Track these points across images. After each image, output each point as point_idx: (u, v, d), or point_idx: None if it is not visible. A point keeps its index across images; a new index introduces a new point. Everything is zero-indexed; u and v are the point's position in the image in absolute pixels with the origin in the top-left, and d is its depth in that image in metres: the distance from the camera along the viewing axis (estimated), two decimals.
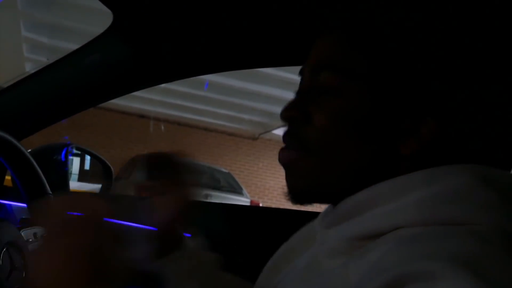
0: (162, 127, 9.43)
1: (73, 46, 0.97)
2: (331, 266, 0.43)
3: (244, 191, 6.36)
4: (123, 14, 0.87)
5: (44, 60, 6.24)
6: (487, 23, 0.47)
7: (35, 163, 0.82)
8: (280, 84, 7.06)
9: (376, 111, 0.46)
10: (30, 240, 0.74)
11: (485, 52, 0.47)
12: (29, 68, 7.02)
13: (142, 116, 9.33)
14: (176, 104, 8.71)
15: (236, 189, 6.18)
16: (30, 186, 0.83)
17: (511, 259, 0.34)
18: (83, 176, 5.80)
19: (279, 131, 9.90)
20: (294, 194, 0.49)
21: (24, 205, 0.86)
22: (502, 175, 0.42)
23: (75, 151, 1.30)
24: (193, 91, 7.92)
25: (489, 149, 0.49)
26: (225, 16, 0.86)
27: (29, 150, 0.90)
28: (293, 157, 0.48)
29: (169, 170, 0.60)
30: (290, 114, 0.49)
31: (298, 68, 0.56)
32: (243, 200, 5.85)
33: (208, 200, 5.18)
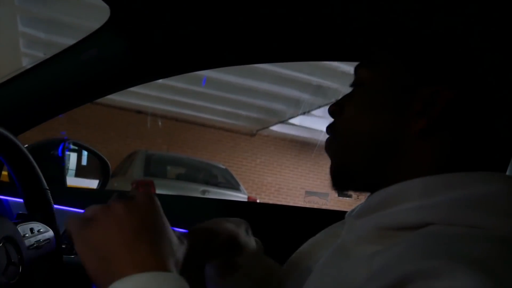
0: (160, 123, 9.42)
1: (70, 41, 0.96)
2: (358, 253, 0.44)
3: (242, 187, 6.36)
4: (120, 9, 0.87)
5: (41, 55, 6.21)
6: (496, 14, 0.48)
7: (32, 158, 0.82)
8: (277, 80, 7.05)
9: (390, 95, 0.50)
10: (27, 235, 0.74)
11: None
12: (26, 63, 6.99)
13: (139, 111, 9.30)
14: (174, 100, 8.69)
15: (234, 185, 6.17)
16: (27, 181, 0.83)
17: None
18: (80, 171, 5.79)
19: (277, 127, 9.91)
20: (331, 178, 0.55)
21: (21, 200, 0.85)
22: None
23: (72, 146, 1.29)
24: (190, 87, 7.90)
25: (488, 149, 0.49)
26: (223, 11, 0.86)
27: (26, 146, 0.90)
28: (326, 144, 0.57)
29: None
30: (330, 109, 0.57)
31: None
32: (240, 196, 5.85)
33: (205, 196, 5.19)
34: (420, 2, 0.55)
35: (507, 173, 0.79)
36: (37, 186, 0.84)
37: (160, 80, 1.12)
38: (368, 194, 0.53)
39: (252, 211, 1.22)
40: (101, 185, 1.42)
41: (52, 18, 5.64)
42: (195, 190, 5.38)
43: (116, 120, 9.01)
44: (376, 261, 0.40)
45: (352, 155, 0.52)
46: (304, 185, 9.89)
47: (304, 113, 8.57)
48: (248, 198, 6.21)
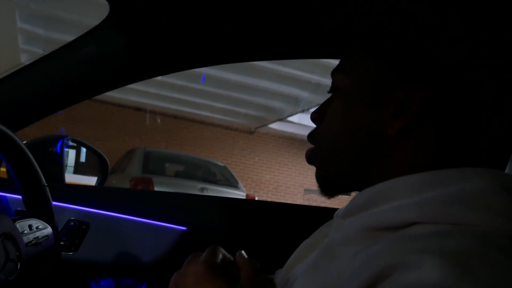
0: (159, 120, 9.41)
1: (69, 38, 0.96)
2: (343, 253, 0.44)
3: (240, 184, 6.36)
4: (120, 5, 0.87)
5: (40, 51, 6.20)
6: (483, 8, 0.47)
7: (30, 155, 0.82)
8: (276, 78, 7.04)
9: (364, 101, 0.50)
10: (25, 231, 0.74)
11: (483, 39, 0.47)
12: (25, 60, 6.97)
13: (138, 109, 9.29)
14: (173, 97, 8.68)
15: (232, 183, 6.17)
16: (25, 178, 0.83)
17: (503, 261, 0.34)
18: (79, 168, 5.79)
19: (275, 125, 9.91)
20: (318, 185, 0.56)
21: (19, 197, 0.85)
22: None
23: (70, 143, 1.29)
24: (189, 85, 7.89)
25: (486, 146, 0.49)
26: (223, 8, 0.86)
27: (25, 142, 0.90)
28: (307, 153, 0.57)
29: None
30: (312, 116, 0.58)
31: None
32: (238, 194, 5.86)
33: (204, 194, 5.19)
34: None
35: (506, 170, 0.79)
36: (36, 183, 0.84)
37: (159, 77, 1.12)
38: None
39: (251, 209, 1.22)
40: (100, 182, 1.42)
41: (51, 14, 5.63)
42: (194, 188, 5.38)
43: (115, 117, 9.00)
44: (357, 260, 0.41)
45: (334, 162, 0.53)
46: (303, 183, 9.90)
47: (303, 111, 8.57)
48: (247, 195, 6.21)
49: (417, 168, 0.46)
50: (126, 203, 1.13)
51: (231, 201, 1.32)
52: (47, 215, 0.85)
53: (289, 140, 10.48)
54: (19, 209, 0.84)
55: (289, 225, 1.11)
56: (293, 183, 10.31)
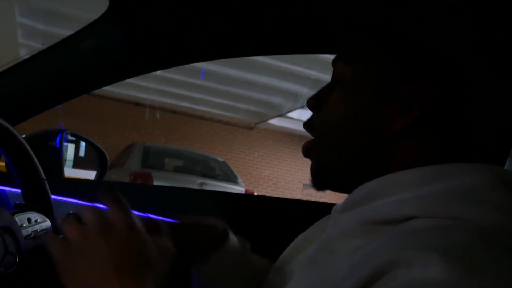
0: (158, 115, 9.40)
1: (68, 32, 0.96)
2: (342, 248, 0.44)
3: (239, 180, 6.37)
4: None
5: (39, 46, 6.17)
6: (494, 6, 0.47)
7: (29, 149, 0.82)
8: (276, 74, 7.03)
9: (369, 95, 0.49)
10: (24, 225, 0.74)
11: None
12: (24, 54, 6.95)
13: (137, 104, 9.28)
14: (172, 93, 8.67)
15: (231, 178, 6.18)
16: (24, 171, 0.83)
17: (504, 257, 0.34)
18: (78, 162, 5.78)
19: (275, 121, 9.90)
20: (312, 178, 0.54)
21: (18, 190, 0.85)
22: None
23: (70, 137, 1.29)
24: (189, 80, 7.88)
25: (484, 142, 0.49)
26: (223, 2, 0.85)
27: (24, 136, 0.90)
28: (305, 145, 0.55)
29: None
30: (309, 102, 0.55)
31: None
32: (238, 189, 5.86)
33: (203, 189, 5.19)
34: None
35: (506, 166, 0.79)
36: (35, 177, 0.84)
37: (158, 72, 1.12)
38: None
39: (250, 204, 1.23)
40: (99, 176, 1.42)
41: (50, 9, 5.60)
42: (193, 183, 5.38)
43: (114, 112, 8.99)
44: (357, 255, 0.40)
45: (330, 155, 0.52)
46: (302, 178, 9.91)
47: (302, 107, 8.56)
48: (246, 191, 6.22)
49: (417, 164, 0.46)
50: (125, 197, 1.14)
51: (229, 196, 1.32)
52: (46, 209, 0.86)
53: (289, 135, 10.48)
54: (18, 202, 0.84)
55: (288, 220, 1.11)
56: (292, 179, 10.32)
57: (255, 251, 0.71)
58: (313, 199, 1.42)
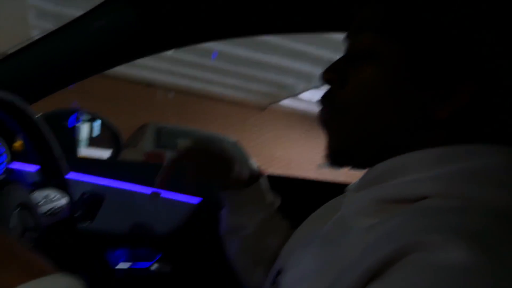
0: (170, 96, 9.42)
1: (79, 12, 0.95)
2: (356, 227, 0.43)
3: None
4: None
5: (50, 26, 6.19)
6: None
7: (46, 127, 0.83)
8: (288, 54, 6.97)
9: (413, 76, 0.45)
10: (41, 202, 0.76)
11: None
12: (35, 35, 6.98)
13: (150, 85, 9.31)
14: (184, 73, 8.67)
15: None
16: (41, 149, 0.84)
17: None
18: (92, 142, 5.85)
19: (287, 102, 9.86)
20: (328, 154, 0.51)
21: (34, 169, 0.87)
22: None
23: (84, 117, 1.31)
24: (201, 60, 7.86)
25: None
26: None
27: (39, 115, 0.91)
28: (327, 117, 0.51)
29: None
30: (328, 76, 0.51)
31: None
32: None
33: None
34: None
35: None
36: (51, 154, 0.86)
37: (170, 53, 1.11)
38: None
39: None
40: (114, 155, 1.44)
41: None
42: None
43: (126, 93, 9.04)
44: (371, 235, 0.40)
45: (357, 136, 0.48)
46: (314, 159, 9.90)
47: (315, 88, 8.49)
48: None
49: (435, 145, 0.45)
50: (140, 176, 1.15)
51: None
52: (63, 186, 0.87)
53: (301, 117, 10.44)
54: (34, 180, 0.86)
55: (301, 199, 1.12)
56: (304, 160, 10.33)
57: None
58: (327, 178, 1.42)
